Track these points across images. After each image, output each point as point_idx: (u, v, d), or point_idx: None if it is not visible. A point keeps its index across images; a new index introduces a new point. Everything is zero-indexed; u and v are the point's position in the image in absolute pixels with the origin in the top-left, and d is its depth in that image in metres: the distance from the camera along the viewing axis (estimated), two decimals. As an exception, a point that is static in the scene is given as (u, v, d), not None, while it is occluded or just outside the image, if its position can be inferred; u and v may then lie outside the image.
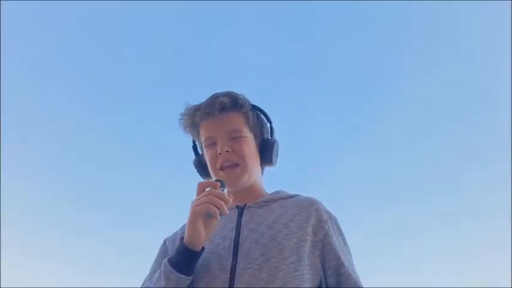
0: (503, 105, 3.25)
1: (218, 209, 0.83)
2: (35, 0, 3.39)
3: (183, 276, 0.83)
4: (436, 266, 3.24)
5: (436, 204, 3.49)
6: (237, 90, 1.06)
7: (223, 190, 0.88)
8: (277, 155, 1.09)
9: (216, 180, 0.90)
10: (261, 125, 1.09)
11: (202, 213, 0.83)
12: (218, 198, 0.84)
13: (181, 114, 1.06)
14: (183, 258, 0.84)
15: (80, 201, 3.67)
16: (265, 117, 1.10)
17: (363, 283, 0.92)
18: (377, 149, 3.74)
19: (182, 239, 0.86)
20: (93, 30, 3.66)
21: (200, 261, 0.88)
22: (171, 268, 0.83)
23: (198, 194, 0.87)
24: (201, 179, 1.09)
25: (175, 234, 1.05)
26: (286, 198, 1.04)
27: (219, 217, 0.84)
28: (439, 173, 3.60)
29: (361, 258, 0.99)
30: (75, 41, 3.60)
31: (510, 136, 3.11)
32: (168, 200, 3.52)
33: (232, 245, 0.91)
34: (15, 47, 3.38)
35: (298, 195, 1.06)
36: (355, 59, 3.74)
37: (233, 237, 0.92)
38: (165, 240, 1.05)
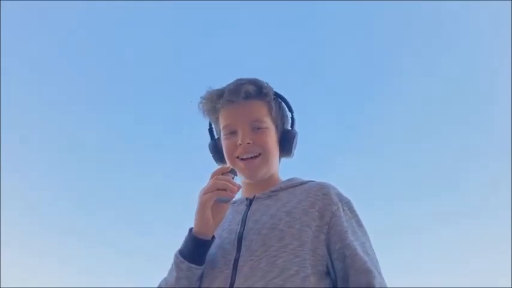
0: (503, 105, 3.25)
1: (225, 190, 0.81)
2: (35, 0, 3.39)
3: (193, 265, 0.83)
4: (436, 266, 3.23)
5: (436, 204, 3.48)
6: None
7: (233, 178, 0.87)
8: (295, 147, 1.06)
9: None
10: (283, 115, 1.06)
11: (211, 200, 0.82)
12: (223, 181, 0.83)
13: (201, 97, 1.02)
14: (192, 247, 0.84)
15: (80, 201, 3.67)
16: (287, 106, 1.07)
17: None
18: (377, 149, 3.74)
19: (191, 229, 0.85)
20: (93, 30, 3.67)
21: (207, 257, 0.87)
22: (181, 258, 0.84)
23: None
24: (215, 164, 1.06)
25: None
26: (297, 185, 0.99)
27: (235, 194, 0.83)
28: (439, 173, 3.60)
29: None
30: (75, 41, 3.60)
31: (510, 136, 3.10)
32: (168, 200, 3.52)
33: (236, 239, 0.89)
34: (15, 47, 3.38)
35: (310, 181, 1.01)
36: (355, 59, 3.74)
37: (238, 231, 0.90)
38: None
